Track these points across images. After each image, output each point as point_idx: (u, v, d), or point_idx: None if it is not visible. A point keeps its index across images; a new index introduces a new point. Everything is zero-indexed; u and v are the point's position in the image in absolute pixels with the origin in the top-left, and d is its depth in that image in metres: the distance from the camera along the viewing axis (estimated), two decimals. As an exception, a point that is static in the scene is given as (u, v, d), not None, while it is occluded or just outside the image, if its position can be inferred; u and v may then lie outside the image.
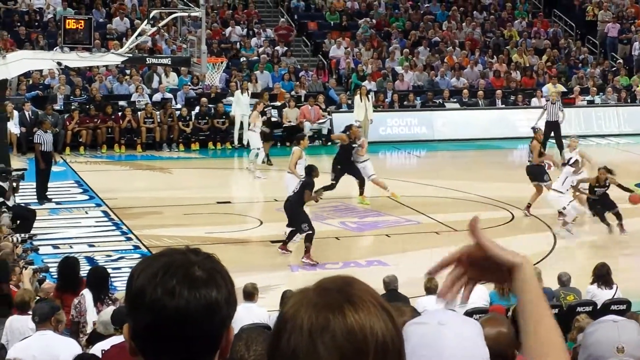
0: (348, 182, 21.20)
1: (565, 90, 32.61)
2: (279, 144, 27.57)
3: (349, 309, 1.73)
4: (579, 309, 12.01)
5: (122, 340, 8.45)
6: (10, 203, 17.91)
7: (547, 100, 27.79)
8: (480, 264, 2.31)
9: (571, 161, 19.30)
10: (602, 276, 13.19)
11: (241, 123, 28.05)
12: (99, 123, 27.21)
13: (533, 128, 21.20)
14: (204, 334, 2.11)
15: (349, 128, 21.53)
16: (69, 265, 12.90)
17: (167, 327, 2.08)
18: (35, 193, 20.80)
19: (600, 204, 18.76)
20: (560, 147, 26.40)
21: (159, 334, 2.10)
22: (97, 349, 8.90)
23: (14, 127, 26.19)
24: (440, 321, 2.46)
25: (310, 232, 16.92)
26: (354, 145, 20.83)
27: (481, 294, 12.03)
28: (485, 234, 2.32)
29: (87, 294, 11.65)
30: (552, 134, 26.51)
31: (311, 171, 17.38)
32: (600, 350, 3.55)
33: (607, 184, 18.81)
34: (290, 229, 17.17)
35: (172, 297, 2.08)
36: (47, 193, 21.09)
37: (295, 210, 17.08)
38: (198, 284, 2.10)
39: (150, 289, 2.09)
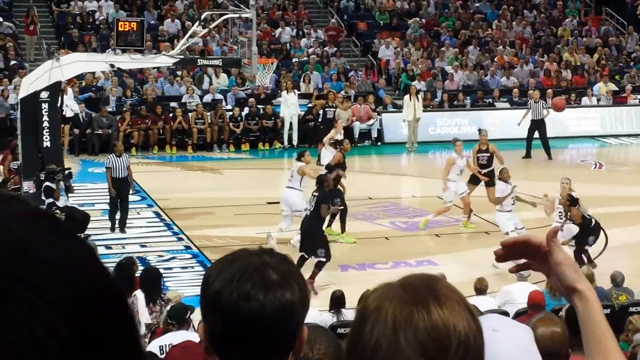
0: (398, 183, 21.18)
1: (617, 89, 32.36)
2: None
3: (433, 304, 1.75)
4: (631, 309, 11.90)
5: (184, 340, 8.55)
6: (60, 203, 18.11)
7: (530, 99, 27.70)
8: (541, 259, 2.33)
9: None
10: None
11: (290, 124, 28.18)
12: (150, 124, 27.47)
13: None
14: (279, 335, 2.16)
15: (340, 144, 19.90)
16: (124, 266, 13.05)
17: (243, 330, 2.14)
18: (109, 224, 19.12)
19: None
20: (546, 145, 26.28)
21: (235, 336, 2.15)
22: (154, 346, 9.01)
23: (72, 103, 26.58)
24: (494, 327, 2.48)
25: (325, 259, 15.71)
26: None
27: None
28: (561, 248, 2.33)
29: (139, 295, 11.77)
30: (537, 133, 26.43)
31: (323, 182, 16.34)
32: None
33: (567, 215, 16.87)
34: (300, 253, 15.76)
35: (248, 301, 2.12)
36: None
37: (313, 232, 15.93)
38: (273, 286, 2.14)
39: (226, 292, 2.13)
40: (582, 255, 16.26)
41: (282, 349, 2.19)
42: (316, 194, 16.14)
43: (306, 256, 15.83)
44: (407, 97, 28.19)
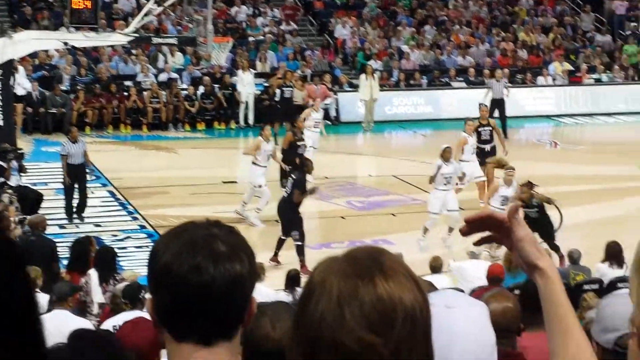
0: (355, 162, 21.17)
1: (572, 68, 32.56)
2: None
3: (379, 278, 1.72)
4: (585, 287, 11.98)
5: (135, 316, 8.45)
6: (13, 183, 17.88)
7: (492, 78, 27.85)
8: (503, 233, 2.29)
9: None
10: (615, 255, 13.01)
11: (246, 103, 28.03)
12: (104, 103, 27.18)
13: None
14: (229, 307, 2.14)
15: (294, 122, 19.66)
16: (80, 245, 12.99)
17: (193, 303, 2.12)
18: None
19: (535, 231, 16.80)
20: (504, 124, 26.41)
21: (184, 310, 2.13)
22: (108, 325, 8.91)
23: (24, 81, 26.25)
24: (448, 304, 2.44)
25: (300, 242, 15.67)
26: (299, 144, 19.05)
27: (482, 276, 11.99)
28: (523, 224, 2.28)
29: (93, 274, 11.70)
30: (497, 112, 26.58)
31: (303, 166, 16.23)
32: (616, 322, 3.54)
33: (536, 204, 15.94)
34: (281, 236, 15.84)
35: (198, 274, 2.10)
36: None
37: (288, 214, 15.83)
38: (222, 259, 2.12)
39: (176, 265, 2.11)
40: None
41: (232, 321, 2.18)
42: (294, 176, 16.02)
43: (283, 237, 15.81)
44: (363, 76, 28.16)
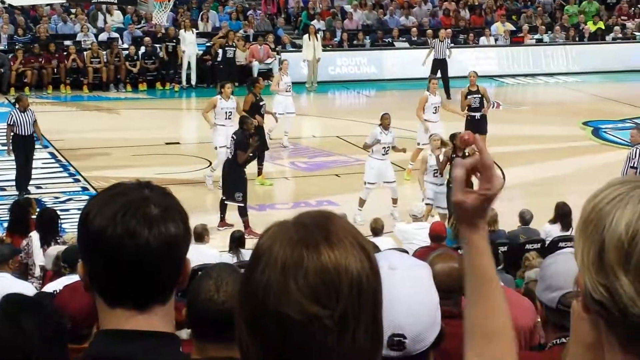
0: (298, 123, 21.12)
1: (514, 29, 32.73)
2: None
3: (324, 246, 1.68)
4: (528, 246, 12.09)
5: (74, 280, 8.37)
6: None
7: (435, 38, 27.85)
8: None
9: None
10: (564, 215, 12.98)
11: (188, 63, 27.77)
12: (43, 63, 26.75)
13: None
14: (164, 270, 2.12)
15: (253, 82, 18.89)
16: (20, 207, 12.85)
17: (128, 267, 2.09)
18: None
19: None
20: (446, 85, 26.43)
21: (119, 274, 2.10)
22: (49, 289, 8.82)
23: None
24: (391, 265, 2.42)
25: (243, 204, 15.40)
26: (261, 104, 18.37)
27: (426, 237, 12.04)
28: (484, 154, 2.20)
29: (34, 236, 11.59)
30: (440, 73, 26.61)
31: (243, 124, 15.78)
32: (559, 281, 3.57)
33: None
34: (224, 200, 15.60)
35: (132, 238, 2.08)
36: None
37: (231, 175, 15.53)
38: (156, 221, 2.10)
39: (109, 230, 2.08)
40: None
41: (166, 284, 2.16)
42: (234, 137, 15.71)
43: (226, 201, 15.59)
44: (306, 36, 28.04)
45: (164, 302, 2.16)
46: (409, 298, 2.38)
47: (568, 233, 12.80)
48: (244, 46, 27.83)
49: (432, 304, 2.37)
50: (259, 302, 1.67)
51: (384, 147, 16.04)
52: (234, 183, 15.52)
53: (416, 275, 2.45)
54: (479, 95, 19.42)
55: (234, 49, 27.12)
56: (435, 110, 18.81)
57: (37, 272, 11.25)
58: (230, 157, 15.72)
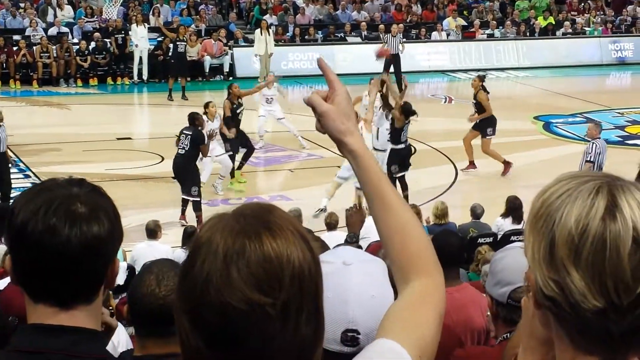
0: (251, 118, 21.05)
1: (465, 23, 32.91)
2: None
3: (266, 235, 1.69)
4: (480, 240, 12.15)
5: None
6: None
7: (387, 33, 27.99)
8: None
9: None
10: (515, 209, 13.06)
11: (140, 58, 27.58)
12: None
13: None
14: (86, 269, 2.11)
15: (228, 88, 18.61)
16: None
17: (48, 264, 2.08)
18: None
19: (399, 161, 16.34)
20: (399, 81, 26.48)
21: (40, 270, 2.09)
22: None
23: None
24: (345, 261, 2.42)
25: (199, 198, 15.56)
26: (238, 111, 18.19)
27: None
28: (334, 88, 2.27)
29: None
30: (393, 68, 26.71)
31: (194, 120, 15.81)
32: (510, 276, 3.58)
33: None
34: (184, 196, 15.64)
35: (53, 234, 2.06)
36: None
37: (187, 170, 15.62)
38: (79, 220, 2.08)
39: (31, 225, 2.07)
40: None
41: (90, 284, 2.15)
42: (189, 132, 15.59)
43: (186, 197, 15.56)
44: (258, 31, 27.96)
45: (88, 301, 2.15)
46: (363, 293, 2.37)
47: (520, 227, 12.88)
48: (196, 41, 27.69)
49: (387, 299, 2.37)
50: (200, 293, 1.66)
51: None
52: (190, 178, 15.54)
53: (371, 270, 2.44)
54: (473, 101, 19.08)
55: (185, 43, 26.96)
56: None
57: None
58: (183, 152, 15.63)
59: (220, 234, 1.69)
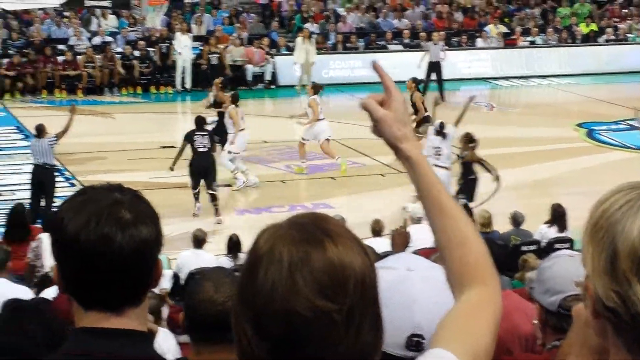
0: (293, 126, 21.12)
1: (507, 31, 32.78)
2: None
3: (328, 243, 1.71)
4: (523, 248, 12.12)
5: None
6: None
7: (428, 41, 27.96)
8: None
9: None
10: (560, 217, 12.99)
11: (183, 67, 27.75)
12: (40, 68, 26.67)
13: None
14: (136, 273, 2.16)
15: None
16: (16, 213, 12.80)
17: (102, 272, 2.12)
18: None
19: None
20: (441, 87, 26.56)
21: (93, 279, 2.13)
22: (48, 294, 8.84)
23: None
24: (408, 267, 2.47)
25: (216, 192, 16.40)
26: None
27: (429, 236, 12.01)
28: (392, 95, 2.30)
29: (45, 238, 11.55)
30: (434, 75, 26.71)
31: (203, 122, 17.01)
32: (558, 284, 3.58)
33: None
34: (209, 192, 16.38)
35: (107, 243, 2.11)
36: None
37: (211, 168, 16.55)
38: (128, 226, 2.13)
39: (84, 236, 2.11)
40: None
41: (139, 287, 2.20)
42: (204, 132, 16.55)
43: (209, 191, 16.28)
44: (299, 39, 28.06)
45: (137, 304, 2.20)
46: (427, 299, 2.41)
47: (563, 234, 12.85)
48: (239, 45, 27.94)
49: (449, 305, 2.42)
50: (265, 301, 1.69)
51: None
52: (214, 174, 16.59)
53: (433, 276, 2.48)
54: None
55: (218, 55, 26.98)
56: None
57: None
58: (206, 150, 16.42)
59: (281, 243, 1.72)
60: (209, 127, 17.38)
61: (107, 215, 2.12)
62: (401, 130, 2.27)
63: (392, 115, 2.27)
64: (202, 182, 16.36)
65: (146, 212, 2.19)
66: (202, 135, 16.56)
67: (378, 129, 2.28)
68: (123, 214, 2.13)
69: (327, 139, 19.10)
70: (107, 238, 2.11)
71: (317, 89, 19.66)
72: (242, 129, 18.15)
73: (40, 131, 16.11)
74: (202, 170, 16.49)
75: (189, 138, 16.65)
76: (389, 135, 2.27)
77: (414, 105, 19.66)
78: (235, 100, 18.36)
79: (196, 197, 16.41)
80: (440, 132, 16.37)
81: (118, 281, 2.14)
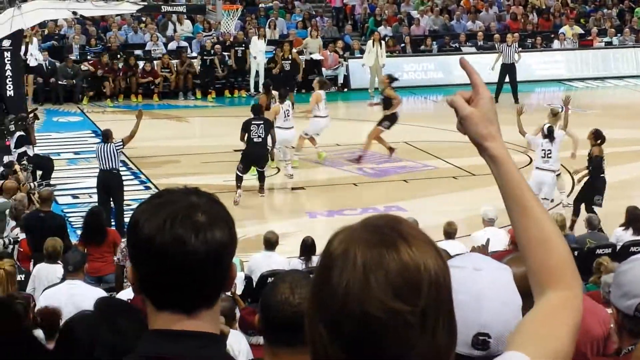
0: (365, 129, 21.11)
1: (582, 32, 32.39)
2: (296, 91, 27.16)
3: (402, 245, 1.72)
4: (598, 251, 11.95)
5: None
6: (30, 153, 17.90)
7: (502, 42, 27.66)
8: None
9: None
10: (636, 220, 12.82)
11: (257, 71, 27.91)
12: (121, 75, 27.06)
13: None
14: (211, 276, 2.18)
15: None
16: (93, 216, 12.98)
17: (176, 274, 2.14)
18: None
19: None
20: (515, 89, 26.25)
21: (168, 280, 2.16)
22: (123, 296, 8.96)
23: (37, 52, 26.30)
24: (475, 266, 2.46)
25: (242, 174, 17.31)
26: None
27: (502, 238, 11.95)
28: (482, 94, 2.28)
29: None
30: (508, 77, 26.41)
31: (260, 110, 18.04)
32: (637, 288, 3.53)
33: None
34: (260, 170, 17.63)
35: (181, 245, 2.13)
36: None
37: (265, 157, 17.62)
38: (203, 229, 2.15)
39: (159, 238, 2.13)
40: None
41: (213, 289, 2.22)
42: (260, 122, 17.40)
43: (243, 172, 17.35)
44: (370, 42, 28.06)
45: (210, 306, 2.21)
46: (494, 298, 2.41)
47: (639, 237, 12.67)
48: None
49: (516, 306, 2.40)
50: (341, 303, 1.69)
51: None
52: (266, 161, 17.79)
53: (500, 276, 2.48)
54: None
55: (289, 60, 27.15)
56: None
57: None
58: (261, 140, 17.28)
59: (356, 245, 1.72)
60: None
61: (181, 217, 2.14)
62: (487, 128, 2.26)
63: (479, 113, 2.26)
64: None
65: (221, 215, 2.20)
66: (258, 125, 17.36)
67: (464, 126, 2.28)
68: (198, 217, 2.15)
69: (308, 136, 19.75)
70: (181, 240, 2.13)
71: (322, 84, 20.48)
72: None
73: (107, 136, 16.25)
74: (255, 158, 17.50)
75: (246, 126, 17.47)
76: (474, 134, 2.26)
77: (387, 99, 20.13)
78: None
79: (239, 184, 17.10)
80: (549, 135, 16.10)
81: (192, 283, 2.15)
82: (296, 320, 3.15)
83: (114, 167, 15.96)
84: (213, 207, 2.20)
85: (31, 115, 18.43)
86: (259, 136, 17.25)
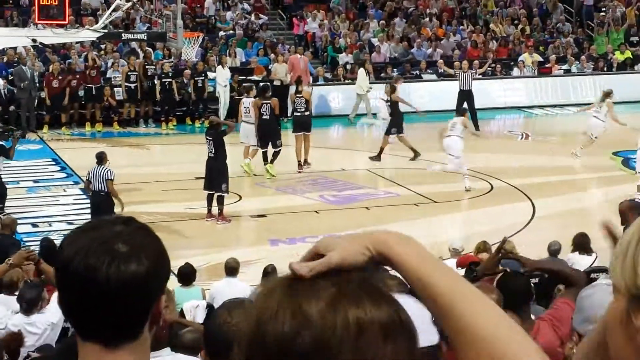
0: (327, 156, 21.17)
1: (541, 59, 32.72)
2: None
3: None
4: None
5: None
6: (0, 167, 17.78)
7: (459, 69, 27.91)
8: None
9: None
10: (581, 245, 13.17)
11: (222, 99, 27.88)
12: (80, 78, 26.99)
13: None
14: (127, 308, 2.12)
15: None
16: (43, 250, 12.85)
17: (89, 302, 2.10)
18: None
19: None
20: (474, 116, 26.32)
21: (83, 308, 2.12)
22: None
23: None
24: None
25: (226, 193, 17.79)
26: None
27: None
28: None
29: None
30: (466, 104, 26.66)
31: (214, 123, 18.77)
32: (597, 313, 3.56)
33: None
34: (206, 192, 17.84)
35: (91, 273, 2.08)
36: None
37: (218, 169, 17.78)
38: (119, 259, 2.09)
39: (74, 264, 2.10)
40: None
41: (133, 322, 2.15)
42: (210, 138, 17.94)
43: (214, 192, 17.65)
44: (362, 70, 28.52)
45: (133, 339, 2.16)
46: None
47: (592, 259, 12.87)
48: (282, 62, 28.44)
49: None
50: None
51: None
52: (221, 175, 17.68)
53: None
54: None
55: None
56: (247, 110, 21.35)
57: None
58: (213, 155, 17.82)
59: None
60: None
61: (98, 245, 2.11)
62: (352, 245, 1.77)
63: (335, 251, 1.77)
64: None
65: (145, 246, 2.15)
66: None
67: (346, 264, 1.76)
68: (117, 247, 2.11)
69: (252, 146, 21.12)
70: (91, 269, 2.08)
71: (248, 89, 21.97)
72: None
73: (101, 159, 16.59)
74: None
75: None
76: (361, 258, 1.77)
77: (395, 103, 22.97)
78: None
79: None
80: None
81: (107, 314, 2.11)
82: (234, 336, 3.26)
83: (102, 189, 16.36)
84: (138, 237, 2.15)
85: (19, 132, 18.38)
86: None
